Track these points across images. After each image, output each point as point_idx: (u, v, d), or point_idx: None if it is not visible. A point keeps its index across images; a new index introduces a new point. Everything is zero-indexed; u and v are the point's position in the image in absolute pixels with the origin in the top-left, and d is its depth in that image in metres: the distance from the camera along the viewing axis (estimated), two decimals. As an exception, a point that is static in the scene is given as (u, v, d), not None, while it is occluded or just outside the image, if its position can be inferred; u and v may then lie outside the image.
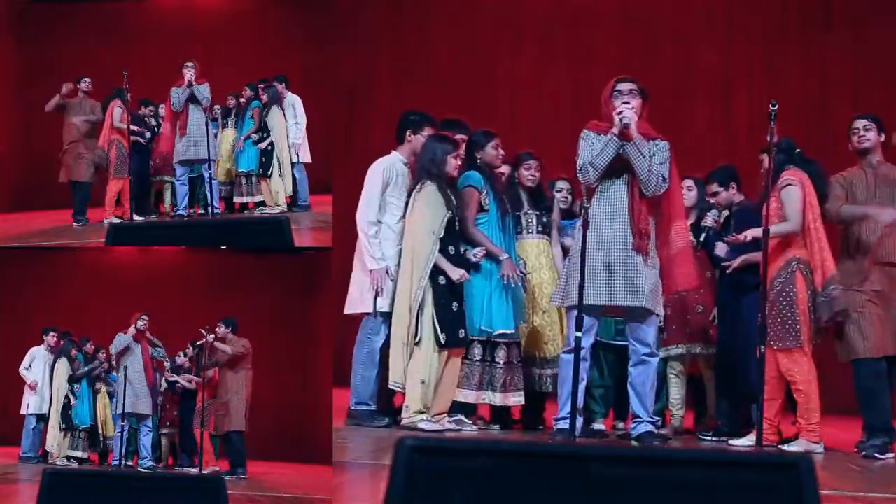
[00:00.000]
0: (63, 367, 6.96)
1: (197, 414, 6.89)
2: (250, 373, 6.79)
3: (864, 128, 6.42)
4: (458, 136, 6.71)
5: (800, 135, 9.14)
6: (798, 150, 6.35)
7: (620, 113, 5.81)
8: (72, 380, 6.96)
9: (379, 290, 6.64)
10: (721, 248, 6.57)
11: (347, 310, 6.81)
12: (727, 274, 6.52)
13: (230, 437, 6.76)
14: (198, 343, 6.95)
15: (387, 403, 6.79)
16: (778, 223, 6.06)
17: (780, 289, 6.08)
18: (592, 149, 5.91)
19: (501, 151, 6.90)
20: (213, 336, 6.82)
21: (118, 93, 7.93)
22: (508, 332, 6.63)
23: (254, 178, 8.28)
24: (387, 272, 6.64)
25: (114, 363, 6.90)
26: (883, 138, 6.46)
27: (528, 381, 6.84)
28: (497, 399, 6.67)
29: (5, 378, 7.08)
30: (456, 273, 6.39)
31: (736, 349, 6.42)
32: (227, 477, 6.62)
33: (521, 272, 6.71)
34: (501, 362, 6.66)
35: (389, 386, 6.51)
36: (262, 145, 8.24)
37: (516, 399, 6.71)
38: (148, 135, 8.23)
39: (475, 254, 6.59)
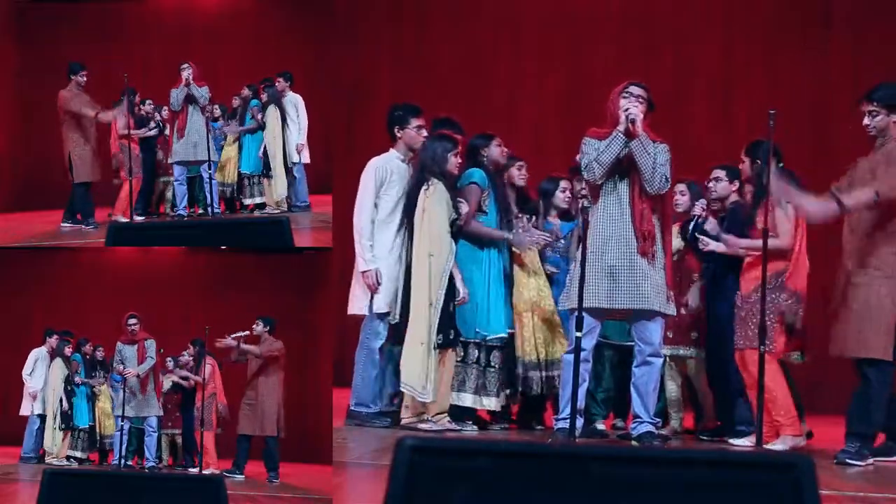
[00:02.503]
0: (58, 367, 6.95)
1: (196, 414, 6.89)
2: (282, 375, 6.79)
3: (868, 114, 5.86)
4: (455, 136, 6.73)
5: (800, 135, 9.17)
6: (781, 163, 6.27)
7: (627, 110, 5.82)
8: (68, 381, 6.95)
9: (373, 290, 6.66)
10: (715, 246, 6.54)
11: (350, 310, 6.84)
12: (711, 273, 6.56)
13: (266, 441, 6.75)
14: (198, 341, 6.95)
15: (389, 404, 6.79)
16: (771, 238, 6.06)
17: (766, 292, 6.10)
18: (597, 149, 5.92)
19: (505, 149, 6.94)
20: (245, 333, 6.80)
21: (124, 98, 7.91)
22: (503, 335, 6.64)
23: (256, 180, 8.27)
24: (376, 273, 6.64)
25: (116, 366, 6.90)
26: None
27: (523, 384, 6.85)
28: (493, 403, 6.68)
29: (5, 378, 7.08)
30: (464, 291, 6.42)
31: (726, 348, 6.42)
32: (234, 476, 6.64)
33: (537, 239, 6.72)
34: (496, 366, 6.66)
35: (401, 388, 6.48)
36: (261, 153, 8.21)
37: (500, 404, 6.73)
38: (155, 130, 8.19)
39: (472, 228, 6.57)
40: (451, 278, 6.51)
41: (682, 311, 6.74)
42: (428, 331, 6.39)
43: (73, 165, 7.81)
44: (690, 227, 6.76)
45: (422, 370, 6.37)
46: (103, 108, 7.86)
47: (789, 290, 6.14)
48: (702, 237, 6.58)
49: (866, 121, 5.88)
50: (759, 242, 5.89)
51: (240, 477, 6.70)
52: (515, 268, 6.86)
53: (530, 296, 6.84)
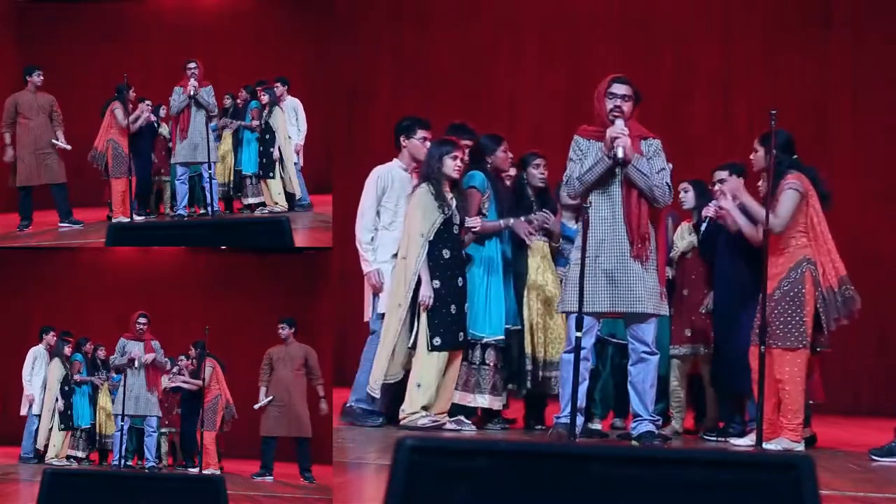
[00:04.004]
0: (56, 367, 6.95)
1: (199, 415, 6.89)
2: (305, 379, 6.79)
3: None
4: (464, 141, 6.72)
5: (800, 135, 9.12)
6: (795, 155, 6.24)
7: (616, 139, 5.75)
8: (66, 381, 6.94)
9: (378, 290, 6.68)
10: (710, 209, 6.50)
11: (366, 317, 6.88)
12: (724, 271, 6.55)
13: (299, 442, 6.74)
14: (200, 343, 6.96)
15: (389, 404, 6.80)
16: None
17: (787, 288, 6.06)
18: (582, 164, 5.89)
19: (510, 155, 6.93)
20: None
21: (118, 93, 7.91)
22: (499, 338, 6.64)
23: (254, 180, 8.28)
24: (378, 273, 6.66)
25: (113, 361, 6.90)
26: None
27: (533, 381, 6.84)
28: (485, 402, 6.68)
29: (5, 378, 7.08)
30: (426, 292, 6.39)
31: (733, 348, 6.41)
32: (264, 478, 6.65)
33: (534, 228, 6.69)
34: (491, 364, 6.66)
35: (367, 389, 6.53)
36: (274, 152, 8.20)
37: (500, 403, 6.74)
38: (147, 114, 8.16)
39: (472, 226, 6.58)
40: (462, 281, 6.54)
41: (702, 311, 6.74)
42: (396, 332, 6.41)
43: (15, 169, 7.84)
44: (702, 229, 6.71)
45: (382, 371, 6.41)
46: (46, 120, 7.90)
47: (821, 284, 6.10)
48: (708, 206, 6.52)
49: None
50: (759, 207, 6.06)
51: (269, 478, 6.71)
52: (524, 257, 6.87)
53: (536, 279, 6.83)
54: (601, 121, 5.91)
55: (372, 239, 6.72)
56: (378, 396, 6.54)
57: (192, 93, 7.85)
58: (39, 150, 7.87)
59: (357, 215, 6.81)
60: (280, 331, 6.83)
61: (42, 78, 7.84)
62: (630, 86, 5.94)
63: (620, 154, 5.74)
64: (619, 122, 5.81)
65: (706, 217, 6.64)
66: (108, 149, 8.00)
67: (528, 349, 6.80)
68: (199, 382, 6.90)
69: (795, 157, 6.23)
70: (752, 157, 6.33)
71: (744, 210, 6.23)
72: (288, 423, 6.75)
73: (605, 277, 5.85)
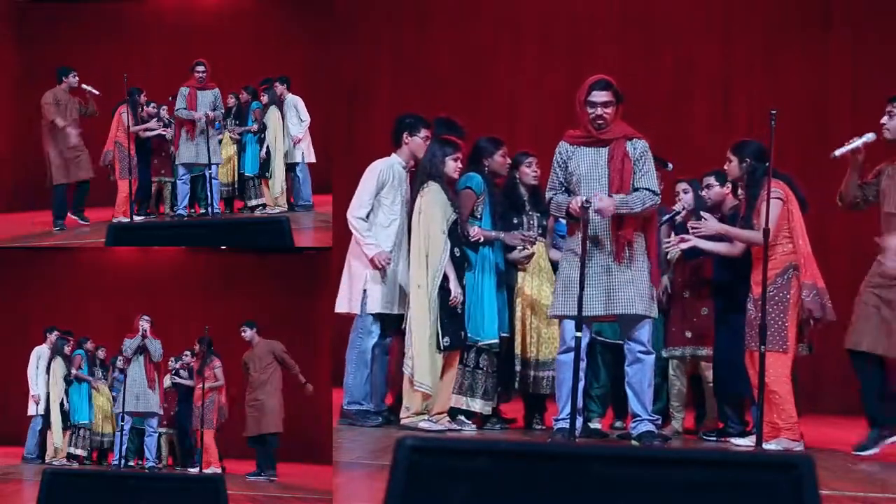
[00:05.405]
0: (59, 367, 6.95)
1: (195, 413, 6.89)
2: (281, 373, 6.78)
3: (888, 114, 6.15)
4: (453, 137, 6.73)
5: (800, 135, 9.15)
6: (767, 162, 6.19)
7: (586, 208, 5.77)
8: (67, 379, 6.94)
9: (387, 266, 6.64)
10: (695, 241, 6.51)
11: (337, 309, 6.88)
12: (722, 277, 6.55)
13: (264, 438, 6.74)
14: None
15: (380, 402, 6.82)
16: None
17: (773, 293, 6.08)
18: (558, 199, 5.95)
19: (508, 159, 6.94)
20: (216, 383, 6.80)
21: (129, 96, 7.91)
22: (493, 341, 6.64)
23: (256, 182, 8.29)
24: (384, 253, 6.65)
25: (121, 365, 6.89)
26: None
27: (525, 383, 6.84)
28: (477, 405, 6.68)
29: (5, 378, 7.08)
30: (456, 291, 6.40)
31: (732, 352, 6.41)
32: (252, 478, 6.63)
33: (529, 237, 6.70)
34: (485, 368, 6.66)
35: (416, 388, 6.49)
36: (262, 151, 8.22)
37: (490, 407, 6.73)
38: (159, 126, 8.17)
39: (473, 234, 6.60)
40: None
41: (703, 311, 6.73)
42: (431, 329, 6.41)
43: (50, 167, 7.86)
44: (666, 218, 6.74)
45: (432, 367, 6.40)
46: (75, 120, 7.89)
47: (807, 284, 6.12)
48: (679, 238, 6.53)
49: (884, 119, 6.10)
50: (746, 233, 6.15)
51: (264, 478, 6.71)
52: (514, 268, 6.86)
53: (530, 293, 6.84)
54: (583, 125, 5.93)
55: (367, 229, 6.73)
56: (430, 392, 6.46)
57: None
58: (69, 148, 7.91)
59: (352, 204, 6.81)
60: (243, 334, 6.83)
61: (78, 79, 7.87)
62: (609, 90, 5.91)
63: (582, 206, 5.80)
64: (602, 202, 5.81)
65: (674, 210, 6.64)
66: (116, 150, 8.02)
67: (517, 350, 6.81)
68: (219, 383, 6.89)
69: (767, 164, 6.20)
70: (726, 167, 6.39)
71: (720, 238, 6.31)
72: (259, 420, 6.76)
73: (596, 280, 5.85)
